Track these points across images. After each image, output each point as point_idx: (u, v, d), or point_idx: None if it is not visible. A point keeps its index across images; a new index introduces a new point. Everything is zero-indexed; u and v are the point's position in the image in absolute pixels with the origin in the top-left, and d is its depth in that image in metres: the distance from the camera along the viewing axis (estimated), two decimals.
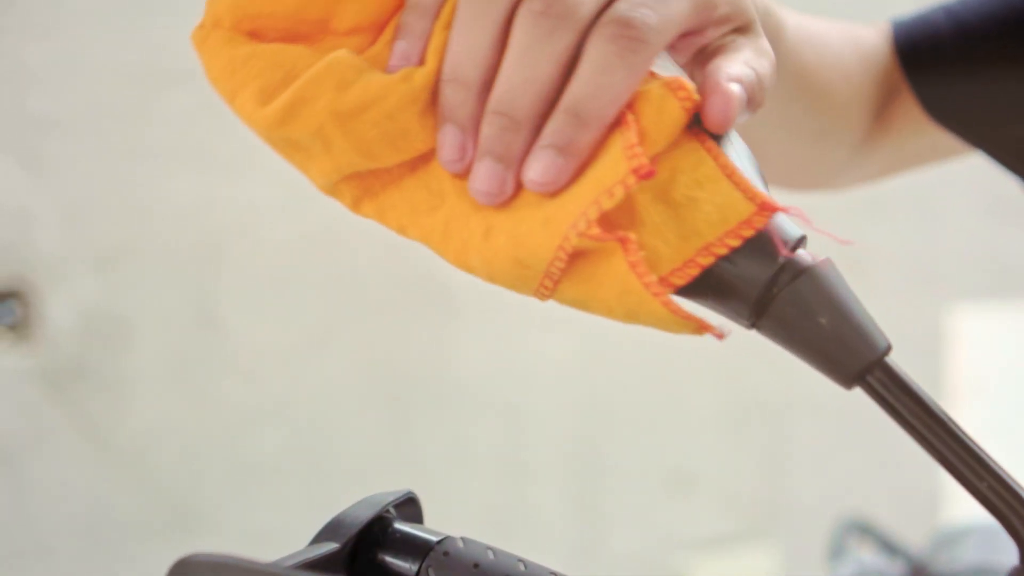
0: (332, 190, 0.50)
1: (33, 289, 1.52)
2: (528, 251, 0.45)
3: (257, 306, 1.61)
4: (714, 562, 1.96)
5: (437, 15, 0.48)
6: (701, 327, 0.44)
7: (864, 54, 0.79)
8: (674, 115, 0.45)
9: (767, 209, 0.45)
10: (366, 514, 0.47)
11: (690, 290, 0.46)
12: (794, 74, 0.72)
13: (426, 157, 0.49)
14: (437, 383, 1.70)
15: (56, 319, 1.53)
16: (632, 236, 0.44)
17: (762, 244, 0.45)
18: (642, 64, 0.45)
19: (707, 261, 0.45)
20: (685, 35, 0.48)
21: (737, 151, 0.47)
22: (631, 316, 0.45)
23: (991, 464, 0.44)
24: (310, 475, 1.66)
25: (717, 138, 0.47)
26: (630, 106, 0.45)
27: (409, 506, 0.49)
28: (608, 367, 1.85)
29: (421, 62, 0.48)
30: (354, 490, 1.66)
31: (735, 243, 0.45)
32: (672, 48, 0.49)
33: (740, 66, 0.47)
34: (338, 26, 0.50)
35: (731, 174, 0.45)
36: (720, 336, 0.44)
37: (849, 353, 0.45)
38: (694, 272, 0.45)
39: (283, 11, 0.50)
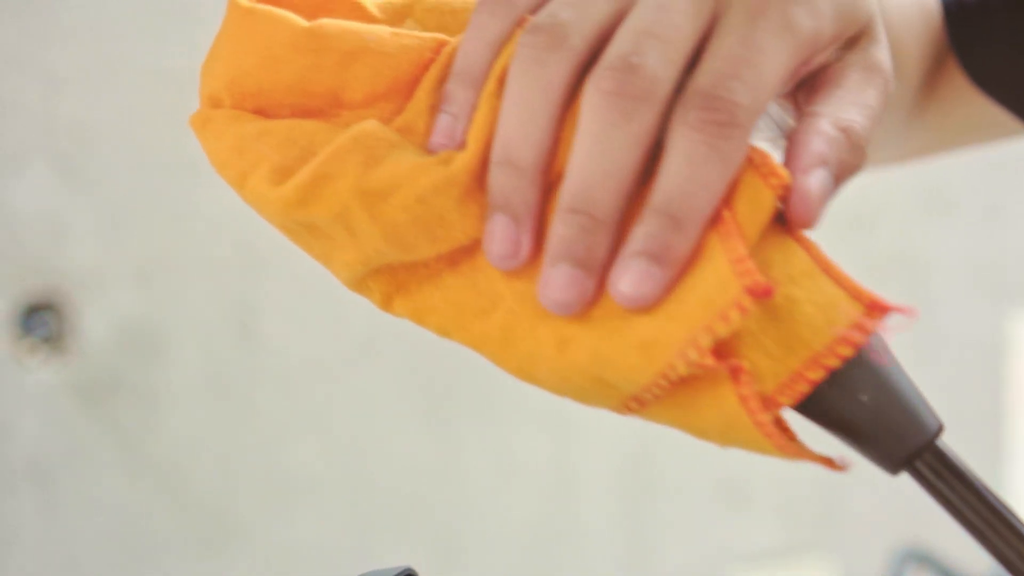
0: (359, 285, 0.44)
1: (68, 301, 1.50)
2: (618, 373, 0.39)
3: (297, 317, 1.58)
4: None
5: (485, 83, 0.43)
6: (823, 463, 0.39)
7: (923, 5, 0.72)
8: (768, 207, 0.39)
9: (878, 310, 0.39)
10: None
11: None
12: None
13: (470, 251, 0.42)
14: (482, 394, 1.67)
15: (91, 332, 1.51)
16: (745, 365, 0.38)
17: None
18: (737, 152, 0.39)
19: (817, 376, 0.39)
20: None
21: None
22: (729, 443, 0.40)
23: None
24: (350, 489, 1.62)
25: None
26: (725, 199, 0.39)
27: None
28: None
29: (464, 140, 0.42)
30: (396, 505, 1.64)
31: (847, 352, 0.39)
32: None
33: (826, 135, 0.41)
34: (352, 97, 0.44)
35: (827, 268, 0.40)
36: (842, 469, 0.39)
37: (895, 435, 0.40)
38: (803, 389, 0.39)
39: (285, 84, 0.44)
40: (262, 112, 0.44)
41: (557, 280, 0.40)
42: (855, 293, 0.39)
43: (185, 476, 1.55)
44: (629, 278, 0.39)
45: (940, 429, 0.40)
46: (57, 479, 1.50)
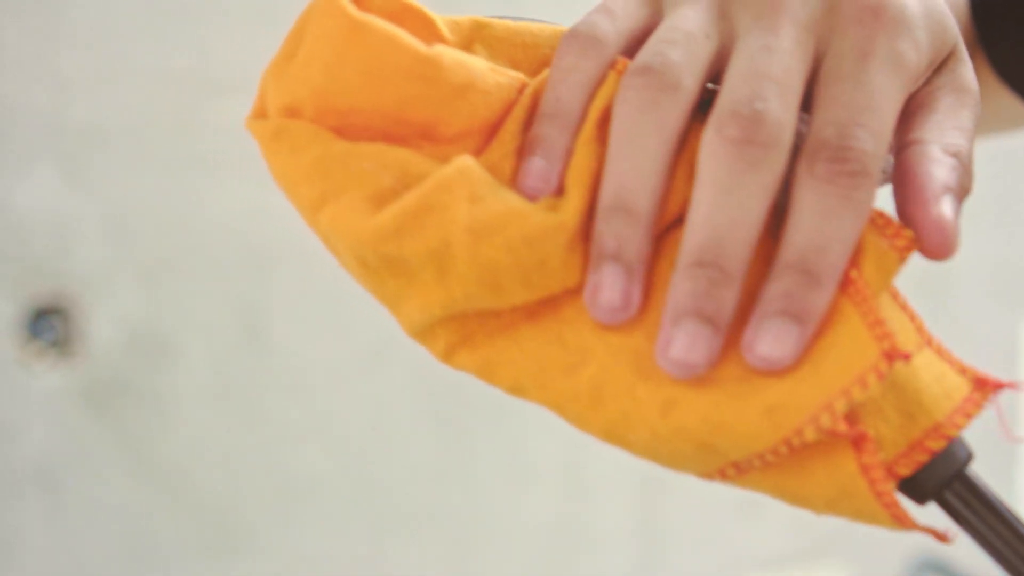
0: (425, 333, 0.41)
1: (75, 305, 1.49)
2: (731, 439, 0.37)
3: (306, 320, 1.57)
4: None
5: (580, 127, 0.40)
6: (931, 534, 0.38)
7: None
8: (892, 270, 0.38)
9: (990, 387, 0.39)
10: None
11: None
12: None
13: (553, 303, 0.40)
14: (494, 399, 1.65)
15: (98, 336, 1.50)
16: (870, 433, 0.37)
17: None
18: (868, 202, 0.38)
19: (938, 446, 0.38)
20: None
21: None
22: (835, 511, 0.39)
23: None
24: (360, 494, 1.61)
25: None
26: (852, 260, 0.38)
27: None
28: None
29: (561, 185, 0.40)
30: (407, 510, 1.63)
31: (965, 423, 0.38)
32: None
33: (942, 162, 0.40)
34: (444, 131, 0.41)
35: (929, 340, 0.40)
36: (948, 541, 0.38)
37: (923, 465, 0.39)
38: (923, 459, 0.38)
39: (384, 108, 0.41)
40: (340, 132, 0.41)
41: (683, 339, 0.37)
42: (959, 368, 0.39)
43: (192, 480, 1.54)
44: (769, 339, 0.37)
45: (969, 457, 0.39)
46: (63, 483, 1.49)
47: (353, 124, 0.41)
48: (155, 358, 1.52)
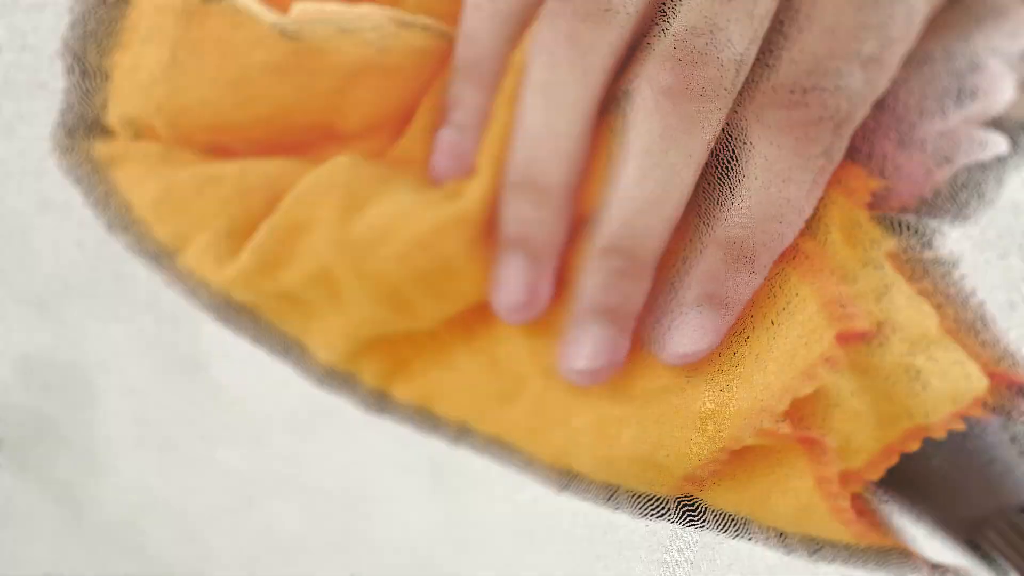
0: (349, 362, 0.37)
1: None
2: (671, 453, 0.34)
3: (252, 348, 1.32)
4: None
5: (500, 85, 0.33)
6: (912, 557, 0.35)
7: None
8: (869, 232, 0.33)
9: (1010, 385, 0.34)
10: None
11: None
12: None
13: (484, 314, 0.35)
14: None
15: None
16: (828, 441, 0.33)
17: None
18: (829, 160, 0.31)
19: (913, 447, 0.34)
20: None
21: None
22: (803, 530, 0.35)
23: None
24: (340, 556, 1.49)
25: None
26: (809, 225, 0.33)
27: None
28: None
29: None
30: (396, 568, 1.48)
31: (960, 427, 0.34)
32: None
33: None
34: (345, 127, 0.35)
35: (954, 331, 0.36)
36: (936, 569, 0.34)
37: (963, 499, 0.35)
38: (892, 462, 0.34)
39: (260, 116, 0.34)
40: (222, 149, 0.35)
41: (585, 342, 0.33)
42: (986, 365, 0.35)
43: (138, 537, 1.43)
44: (685, 331, 0.33)
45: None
46: None
47: (234, 139, 0.35)
48: (66, 395, 1.37)
